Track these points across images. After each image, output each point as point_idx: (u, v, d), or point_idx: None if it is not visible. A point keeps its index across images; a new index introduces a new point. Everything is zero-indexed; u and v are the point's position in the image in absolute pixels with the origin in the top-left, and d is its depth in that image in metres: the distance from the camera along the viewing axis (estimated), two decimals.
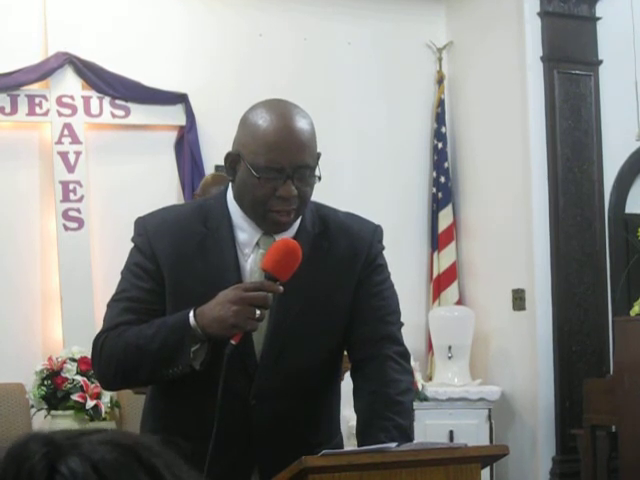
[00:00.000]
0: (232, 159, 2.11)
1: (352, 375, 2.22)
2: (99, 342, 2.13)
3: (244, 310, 1.97)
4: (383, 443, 1.95)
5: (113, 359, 2.10)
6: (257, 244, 2.14)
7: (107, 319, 2.16)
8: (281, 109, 2.09)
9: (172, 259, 2.12)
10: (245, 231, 2.15)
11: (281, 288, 2.01)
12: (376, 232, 2.25)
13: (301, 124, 2.07)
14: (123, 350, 2.08)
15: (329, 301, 2.15)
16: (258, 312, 1.98)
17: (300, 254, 2.01)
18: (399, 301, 2.27)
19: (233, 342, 1.98)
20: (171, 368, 2.03)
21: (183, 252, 2.13)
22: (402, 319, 2.27)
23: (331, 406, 2.29)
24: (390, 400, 2.10)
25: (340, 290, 2.17)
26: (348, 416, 2.43)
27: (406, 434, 2.08)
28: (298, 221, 2.16)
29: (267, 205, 2.06)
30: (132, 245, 2.19)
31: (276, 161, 2.03)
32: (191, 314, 2.02)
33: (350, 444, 2.57)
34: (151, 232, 2.15)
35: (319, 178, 2.12)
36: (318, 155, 2.13)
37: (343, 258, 2.18)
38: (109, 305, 2.18)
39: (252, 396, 2.11)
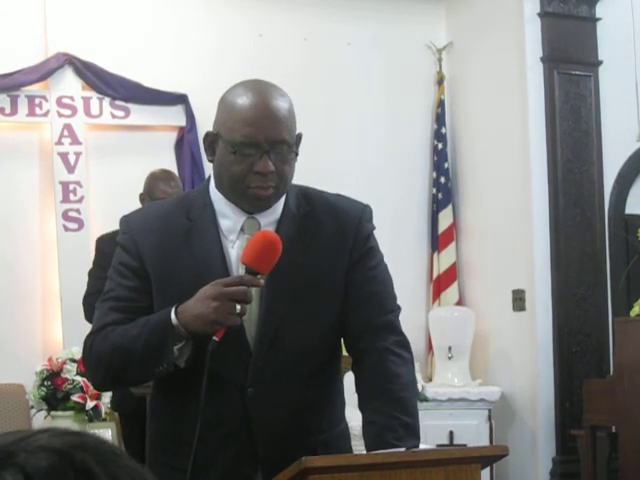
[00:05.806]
0: (211, 139, 2.13)
1: (353, 369, 2.19)
2: (88, 344, 2.14)
3: (224, 306, 1.96)
4: (392, 447, 1.94)
5: (101, 361, 2.11)
6: (242, 229, 2.13)
7: (95, 320, 2.16)
8: (258, 87, 2.10)
9: (157, 255, 2.11)
10: (229, 217, 2.13)
11: (262, 281, 2.00)
12: (365, 211, 2.20)
13: (278, 101, 2.07)
14: (110, 351, 2.08)
15: (319, 283, 2.12)
16: (238, 307, 1.97)
17: (280, 246, 1.99)
18: (398, 299, 2.24)
19: (216, 338, 1.97)
20: (157, 367, 2.03)
21: (168, 247, 2.12)
22: (402, 320, 2.22)
23: (332, 392, 2.24)
24: (393, 397, 2.07)
25: (330, 271, 2.14)
26: (348, 417, 2.42)
27: (413, 431, 2.05)
28: (282, 203, 2.14)
29: (245, 182, 2.05)
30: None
31: (252, 136, 2.03)
32: (172, 312, 2.01)
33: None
34: (135, 229, 2.15)
35: (296, 154, 2.10)
36: (299, 136, 2.12)
37: (331, 238, 2.14)
38: (97, 307, 2.18)
39: (249, 383, 2.09)
